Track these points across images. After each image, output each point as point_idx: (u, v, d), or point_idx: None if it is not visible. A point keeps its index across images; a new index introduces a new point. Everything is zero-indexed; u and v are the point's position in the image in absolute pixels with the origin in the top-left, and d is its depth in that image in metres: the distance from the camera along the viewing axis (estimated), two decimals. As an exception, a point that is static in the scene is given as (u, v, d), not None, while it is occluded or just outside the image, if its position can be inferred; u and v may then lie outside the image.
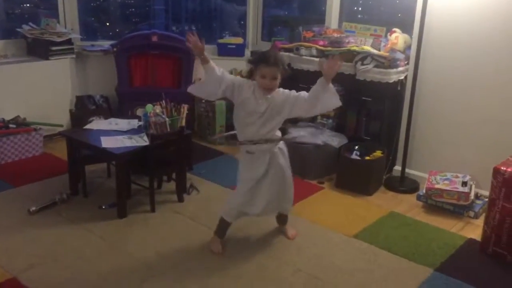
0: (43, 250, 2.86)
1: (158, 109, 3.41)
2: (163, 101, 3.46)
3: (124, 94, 4.78)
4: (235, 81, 2.69)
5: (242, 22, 5.54)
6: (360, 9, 4.95)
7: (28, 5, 5.19)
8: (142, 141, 3.28)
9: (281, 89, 2.71)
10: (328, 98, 2.66)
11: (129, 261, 2.79)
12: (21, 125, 4.26)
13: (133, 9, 6.14)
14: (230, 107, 4.61)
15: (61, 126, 4.54)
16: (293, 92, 2.71)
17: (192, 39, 2.59)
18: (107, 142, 3.24)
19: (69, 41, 4.66)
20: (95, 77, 4.99)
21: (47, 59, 4.54)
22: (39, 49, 4.56)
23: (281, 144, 2.87)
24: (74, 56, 4.75)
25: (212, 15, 6.18)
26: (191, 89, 2.76)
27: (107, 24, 5.93)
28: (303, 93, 2.69)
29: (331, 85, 2.64)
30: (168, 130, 3.39)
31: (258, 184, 2.79)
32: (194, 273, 2.70)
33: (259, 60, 2.61)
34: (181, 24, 6.24)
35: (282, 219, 3.12)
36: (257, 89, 2.66)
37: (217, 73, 2.63)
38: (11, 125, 4.19)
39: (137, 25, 5.92)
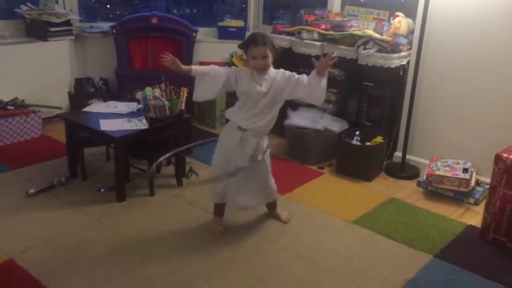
0: (40, 232, 2.85)
1: (157, 92, 3.37)
2: (163, 84, 3.43)
3: (124, 76, 4.74)
4: (229, 73, 2.71)
5: (244, 5, 5.47)
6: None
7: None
8: (141, 124, 3.25)
9: (282, 69, 2.74)
10: (318, 91, 2.66)
11: (127, 245, 2.78)
12: (19, 107, 4.23)
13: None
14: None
15: (60, 108, 4.50)
16: (294, 74, 2.72)
17: (168, 60, 2.68)
18: (106, 125, 3.21)
19: (67, 22, 4.60)
20: (94, 59, 4.94)
21: (45, 40, 4.49)
22: (38, 30, 4.51)
23: (267, 141, 2.88)
24: (72, 37, 4.70)
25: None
26: (194, 98, 2.78)
27: (108, 6, 5.86)
28: (303, 77, 2.68)
29: (324, 81, 2.64)
30: (168, 113, 3.36)
31: (245, 174, 2.78)
32: (193, 256, 2.69)
33: (248, 42, 2.66)
34: (182, 7, 6.16)
35: (271, 205, 3.11)
36: (254, 73, 2.68)
37: (205, 72, 2.67)
38: (9, 107, 4.16)
39: (137, 7, 5.85)
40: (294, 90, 2.69)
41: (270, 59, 2.65)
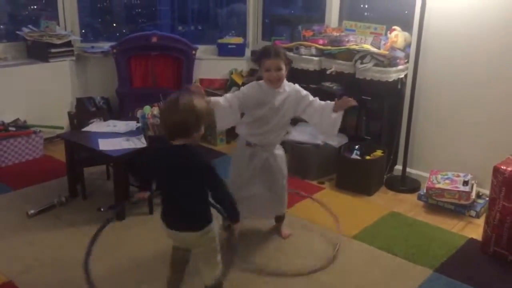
0: (40, 253, 2.86)
1: (156, 110, 3.39)
2: (161, 103, 3.44)
3: (125, 95, 4.78)
4: (239, 96, 2.71)
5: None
6: (365, 6, 4.88)
7: (28, 7, 5.20)
8: (139, 143, 3.26)
9: (297, 85, 2.77)
10: (328, 124, 2.69)
11: (126, 264, 2.78)
12: (21, 128, 4.27)
13: (139, 10, 6.15)
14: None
15: (62, 128, 4.53)
16: (309, 94, 2.75)
17: (196, 87, 2.64)
18: (104, 145, 3.23)
19: (68, 43, 4.67)
20: (95, 78, 4.99)
21: (47, 61, 4.55)
22: (39, 52, 4.57)
23: (281, 149, 2.91)
24: (74, 58, 4.75)
25: (218, 15, 6.16)
26: (219, 128, 2.90)
27: (114, 25, 5.94)
28: (316, 101, 2.71)
29: (338, 116, 2.68)
30: (166, 131, 3.37)
31: (251, 185, 2.80)
32: (192, 275, 2.67)
33: (261, 55, 2.69)
34: (187, 25, 6.24)
35: (279, 217, 3.11)
36: (266, 87, 2.68)
37: (223, 104, 2.65)
38: (11, 128, 4.20)
39: (142, 26, 5.92)
40: (307, 112, 2.72)
41: (284, 71, 2.66)
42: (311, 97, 2.73)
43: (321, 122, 2.71)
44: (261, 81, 2.72)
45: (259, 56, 2.71)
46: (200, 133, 2.08)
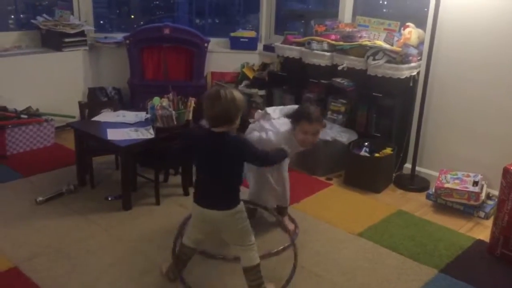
0: (47, 240, 2.89)
1: (165, 102, 3.40)
2: (171, 94, 3.45)
3: (136, 86, 4.79)
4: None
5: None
6: (384, 3, 4.82)
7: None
8: (147, 134, 3.27)
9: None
10: None
11: (131, 253, 2.80)
12: (33, 116, 4.30)
13: (157, 2, 6.17)
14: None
15: (73, 117, 4.55)
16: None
17: None
18: (113, 135, 3.24)
19: (82, 33, 4.69)
20: (107, 69, 5.02)
21: (60, 50, 4.59)
22: (53, 41, 4.61)
23: None
24: (87, 48, 4.78)
25: (236, 8, 6.15)
26: None
27: (132, 16, 5.96)
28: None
29: None
30: (175, 123, 3.38)
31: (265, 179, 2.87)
32: (195, 266, 2.68)
33: (301, 117, 2.74)
34: (204, 17, 6.23)
35: (282, 210, 3.11)
36: (297, 144, 2.77)
37: None
38: (23, 116, 4.24)
39: (160, 18, 5.93)
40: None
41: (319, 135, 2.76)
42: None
43: None
44: (291, 134, 2.78)
45: (299, 117, 2.75)
46: (238, 122, 2.27)
